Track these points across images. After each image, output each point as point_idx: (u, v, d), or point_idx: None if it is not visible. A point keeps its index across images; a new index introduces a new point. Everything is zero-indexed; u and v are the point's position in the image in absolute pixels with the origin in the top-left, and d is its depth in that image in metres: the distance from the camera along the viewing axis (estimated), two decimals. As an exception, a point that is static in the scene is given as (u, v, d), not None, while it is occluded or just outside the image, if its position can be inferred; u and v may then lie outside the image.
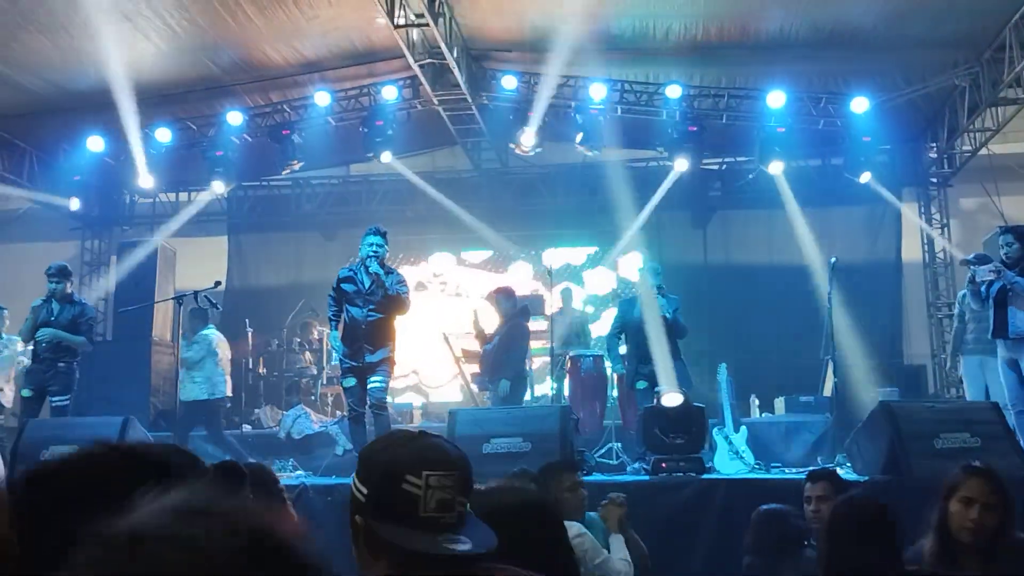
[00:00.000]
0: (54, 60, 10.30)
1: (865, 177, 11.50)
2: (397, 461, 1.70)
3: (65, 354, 8.28)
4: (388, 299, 7.45)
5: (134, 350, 11.10)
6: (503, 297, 9.49)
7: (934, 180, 12.75)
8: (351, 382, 7.54)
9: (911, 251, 12.77)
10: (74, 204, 12.65)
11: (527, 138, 11.55)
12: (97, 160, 12.44)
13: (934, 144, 12.44)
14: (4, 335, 9.43)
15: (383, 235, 7.58)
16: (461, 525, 1.68)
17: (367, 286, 7.47)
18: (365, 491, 1.70)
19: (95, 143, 12.10)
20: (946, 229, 12.66)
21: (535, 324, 10.31)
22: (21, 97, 11.06)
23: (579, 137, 11.55)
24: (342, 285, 7.61)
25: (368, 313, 7.45)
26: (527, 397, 9.44)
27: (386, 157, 11.92)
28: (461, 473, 1.71)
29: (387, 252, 7.67)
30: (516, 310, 9.49)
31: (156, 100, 11.51)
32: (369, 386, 7.45)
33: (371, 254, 7.45)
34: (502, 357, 9.12)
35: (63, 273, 8.46)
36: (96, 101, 11.35)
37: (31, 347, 8.48)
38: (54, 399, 8.15)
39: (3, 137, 11.96)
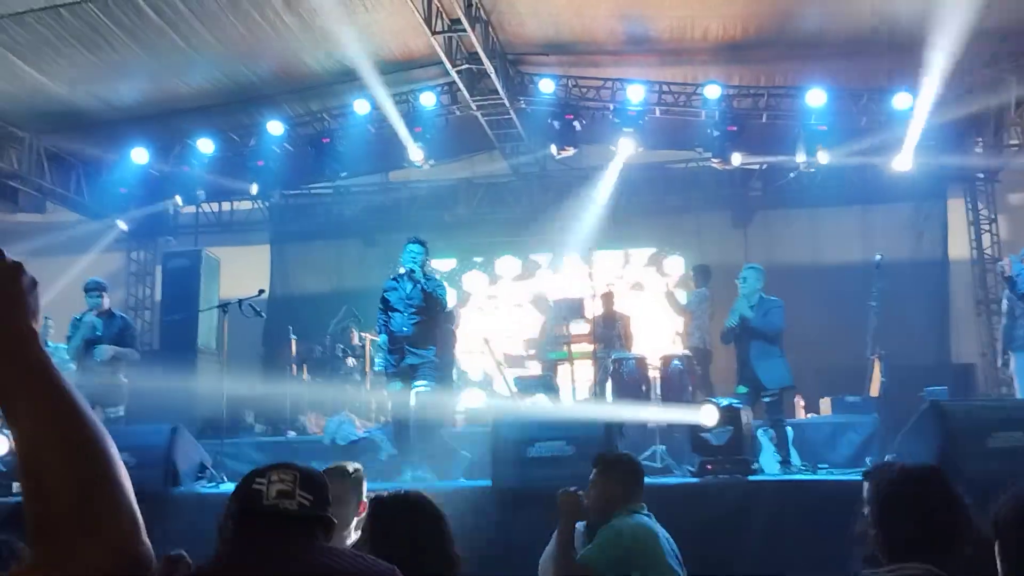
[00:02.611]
0: (98, 74, 10.48)
1: (905, 163, 11.26)
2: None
3: (118, 367, 8.51)
4: (427, 300, 7.69)
5: (180, 359, 11.22)
6: None
7: (981, 175, 12.52)
8: (397, 386, 7.76)
9: (958, 248, 12.55)
10: (122, 225, 12.88)
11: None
12: (142, 172, 12.63)
13: (980, 139, 12.21)
14: (50, 343, 9.61)
15: (422, 244, 7.85)
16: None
17: (408, 291, 7.73)
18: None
19: (139, 155, 12.28)
20: (994, 224, 12.43)
21: (577, 327, 10.28)
22: (68, 112, 11.27)
23: (618, 140, 11.53)
24: (386, 295, 7.89)
25: (410, 316, 7.70)
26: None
27: (416, 155, 11.92)
28: (303, 474, 2.22)
29: (426, 260, 7.93)
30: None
31: (198, 111, 11.68)
32: (414, 391, 7.63)
33: (411, 260, 7.72)
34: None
35: (101, 287, 8.72)
36: (140, 114, 11.56)
37: (71, 360, 8.64)
38: (109, 410, 8.33)
39: (51, 151, 12.19)
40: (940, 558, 2.36)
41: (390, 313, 7.82)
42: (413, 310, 7.70)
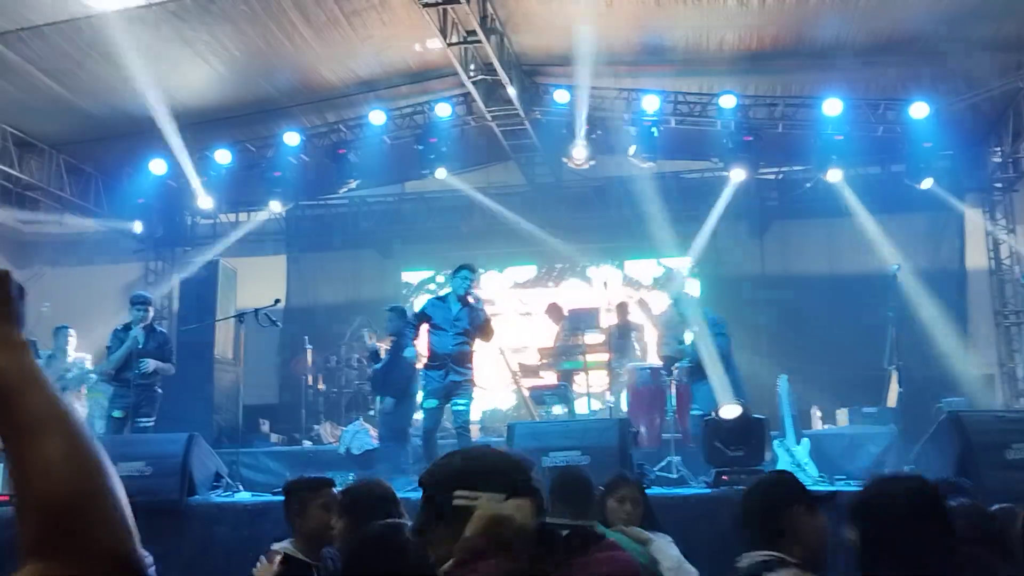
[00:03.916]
0: (117, 86, 10.56)
1: (927, 183, 11.24)
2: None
3: (156, 379, 8.68)
4: (473, 324, 8.01)
5: (197, 368, 11.26)
6: (395, 315, 9.38)
7: (999, 185, 12.45)
8: (432, 404, 7.98)
9: (976, 258, 12.46)
10: (137, 227, 12.95)
11: (579, 152, 11.56)
12: (160, 182, 12.71)
13: (998, 148, 12.14)
14: (71, 353, 9.68)
15: (473, 270, 8.19)
16: None
17: (455, 312, 7.99)
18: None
19: (157, 166, 12.36)
20: (1012, 235, 12.34)
21: (592, 337, 10.26)
22: (87, 123, 11.37)
23: (632, 149, 11.51)
24: (426, 311, 8.18)
25: (455, 336, 7.96)
26: (417, 416, 8.94)
27: (440, 173, 11.99)
28: None
29: (475, 286, 8.27)
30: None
31: (215, 122, 11.75)
32: (454, 408, 8.00)
33: (463, 285, 8.03)
34: (389, 375, 9.15)
35: (148, 302, 8.88)
36: (158, 125, 11.63)
37: (112, 370, 8.71)
38: (141, 420, 8.45)
39: (71, 163, 12.30)
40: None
41: (433, 331, 8.05)
42: (459, 331, 7.96)
